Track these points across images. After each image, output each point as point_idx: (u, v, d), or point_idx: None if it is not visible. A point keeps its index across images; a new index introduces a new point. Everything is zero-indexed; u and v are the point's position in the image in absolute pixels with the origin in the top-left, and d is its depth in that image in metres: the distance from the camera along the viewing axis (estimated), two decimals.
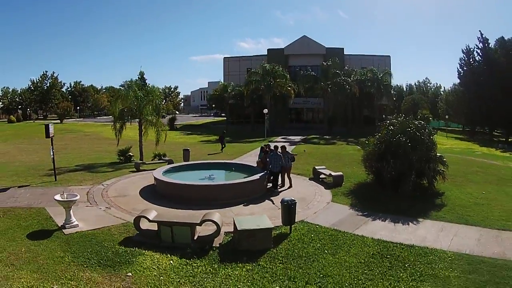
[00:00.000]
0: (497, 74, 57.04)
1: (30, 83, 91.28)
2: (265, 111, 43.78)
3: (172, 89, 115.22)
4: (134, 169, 20.62)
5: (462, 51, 66.71)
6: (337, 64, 50.22)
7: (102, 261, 8.95)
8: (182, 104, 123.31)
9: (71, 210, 11.19)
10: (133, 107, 24.45)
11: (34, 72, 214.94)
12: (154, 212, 10.65)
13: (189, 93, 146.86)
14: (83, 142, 43.20)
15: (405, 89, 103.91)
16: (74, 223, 11.09)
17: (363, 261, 9.35)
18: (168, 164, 20.13)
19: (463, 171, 21.79)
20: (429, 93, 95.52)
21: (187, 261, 9.08)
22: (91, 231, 10.81)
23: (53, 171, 18.32)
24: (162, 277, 8.28)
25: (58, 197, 11.20)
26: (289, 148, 25.12)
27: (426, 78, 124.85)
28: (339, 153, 29.87)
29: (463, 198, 15.28)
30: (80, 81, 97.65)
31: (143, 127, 24.72)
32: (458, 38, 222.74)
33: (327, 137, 45.81)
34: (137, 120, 25.24)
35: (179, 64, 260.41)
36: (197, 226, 10.01)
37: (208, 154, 29.84)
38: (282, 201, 10.88)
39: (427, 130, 16.13)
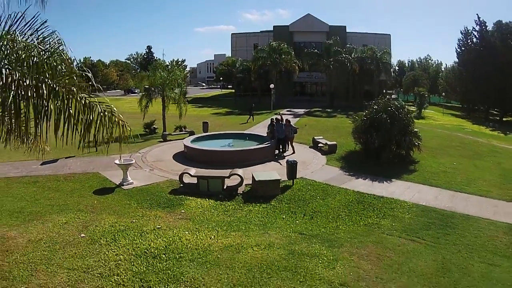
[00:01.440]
0: (493, 56, 59.00)
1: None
2: (272, 86, 47.03)
3: (179, 62, 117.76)
4: (161, 140, 24.36)
5: (461, 32, 68.49)
6: (338, 42, 53.05)
7: (160, 204, 12.78)
8: (189, 76, 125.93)
9: (128, 171, 14.97)
10: (157, 86, 27.76)
11: None
12: (193, 169, 14.48)
13: (195, 65, 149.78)
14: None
15: (407, 65, 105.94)
16: (130, 181, 14.82)
17: (344, 204, 13.19)
18: (190, 135, 23.89)
19: (443, 145, 25.25)
20: (430, 70, 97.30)
21: (221, 202, 12.94)
22: (144, 186, 14.60)
23: (90, 143, 22.00)
24: (205, 212, 12.13)
25: (117, 161, 14.94)
26: (293, 121, 28.84)
27: (428, 55, 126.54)
28: (337, 126, 33.40)
29: (434, 166, 18.90)
30: (90, 57, 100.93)
31: (165, 103, 28.12)
32: (461, 16, 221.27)
33: (329, 110, 49.18)
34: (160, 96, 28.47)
35: (184, 36, 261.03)
36: (226, 179, 13.83)
37: (240, 124, 33.37)
38: (287, 161, 14.71)
39: (405, 110, 19.70)
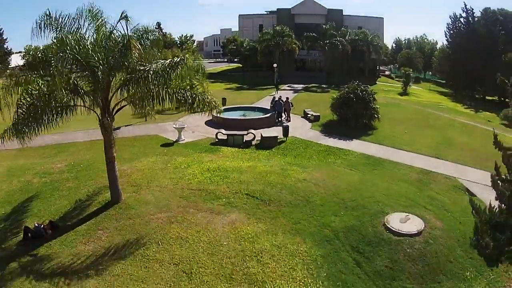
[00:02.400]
0: (477, 42, 64.49)
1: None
2: (275, 65, 54.87)
3: (188, 38, 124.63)
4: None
5: (450, 17, 74.84)
6: (334, 27, 60.49)
7: (207, 150, 21.26)
8: (197, 51, 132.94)
9: (182, 132, 23.41)
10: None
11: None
12: (223, 130, 22.97)
13: (202, 39, 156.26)
14: None
15: (404, 43, 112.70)
16: (183, 138, 23.28)
17: (316, 151, 21.72)
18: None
19: (406, 118, 33.25)
20: (425, 48, 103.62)
21: (242, 149, 21.49)
22: (193, 141, 23.09)
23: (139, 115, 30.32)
24: (234, 154, 20.67)
25: (175, 125, 23.37)
26: (292, 95, 37.36)
27: (424, 34, 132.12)
28: (326, 100, 41.11)
29: (388, 132, 27.20)
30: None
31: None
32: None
33: (324, 86, 57.24)
34: None
35: (189, 9, 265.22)
36: (244, 136, 22.34)
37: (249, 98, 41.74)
38: (282, 126, 23.24)
39: (368, 91, 27.87)
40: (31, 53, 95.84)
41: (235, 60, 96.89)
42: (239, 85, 55.91)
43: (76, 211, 13.70)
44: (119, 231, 12.20)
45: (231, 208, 13.77)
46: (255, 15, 79.31)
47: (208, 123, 27.54)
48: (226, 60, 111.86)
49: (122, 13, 12.54)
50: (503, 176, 9.88)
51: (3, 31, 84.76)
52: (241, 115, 28.56)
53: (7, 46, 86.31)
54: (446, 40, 78.10)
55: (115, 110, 13.26)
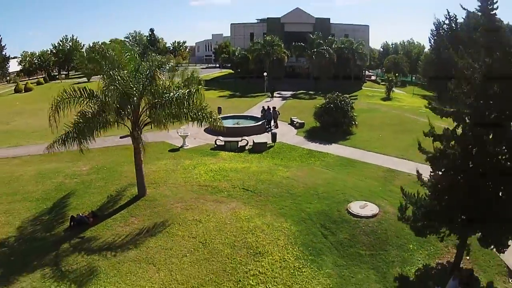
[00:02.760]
0: (459, 47, 70.59)
1: (52, 47, 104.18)
2: (265, 74, 59.60)
3: (181, 44, 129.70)
4: None
5: (434, 23, 79.57)
6: (321, 37, 65.29)
7: (208, 154, 25.64)
8: (189, 57, 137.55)
9: (185, 139, 27.76)
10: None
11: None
12: (221, 137, 27.38)
13: (194, 44, 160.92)
14: None
15: (391, 46, 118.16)
16: (187, 145, 27.63)
17: (300, 154, 26.28)
18: None
19: (384, 123, 37.83)
20: (412, 52, 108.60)
21: (238, 153, 25.95)
22: (195, 147, 27.47)
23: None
24: (231, 157, 25.11)
25: (179, 133, 27.71)
26: (281, 103, 41.95)
27: (411, 38, 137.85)
28: (312, 107, 45.67)
29: (364, 137, 31.77)
30: (99, 41, 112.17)
31: None
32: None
33: (311, 92, 61.93)
34: None
35: (179, 11, 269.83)
36: (239, 142, 26.77)
37: (242, 106, 46.21)
38: (271, 133, 27.75)
39: (346, 101, 32.43)
40: (27, 59, 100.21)
41: (228, 65, 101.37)
42: (231, 93, 60.36)
43: (109, 203, 18.02)
44: (148, 217, 16.55)
45: (232, 198, 18.20)
46: (246, 23, 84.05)
47: (206, 130, 31.88)
48: (217, 65, 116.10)
49: (147, 53, 16.89)
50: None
51: (1, 38, 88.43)
52: (235, 123, 32.98)
53: (5, 53, 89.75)
54: (430, 45, 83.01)
55: (142, 125, 17.63)
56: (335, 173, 22.57)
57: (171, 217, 16.46)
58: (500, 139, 11.70)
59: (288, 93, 59.10)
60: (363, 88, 73.57)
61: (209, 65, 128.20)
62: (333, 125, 31.41)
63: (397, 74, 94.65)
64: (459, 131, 12.57)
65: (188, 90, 16.71)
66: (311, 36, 65.34)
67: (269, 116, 32.74)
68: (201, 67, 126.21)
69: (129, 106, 16.49)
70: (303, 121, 34.19)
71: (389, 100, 60.64)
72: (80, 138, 15.20)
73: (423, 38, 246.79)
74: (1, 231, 16.05)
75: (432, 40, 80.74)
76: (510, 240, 12.27)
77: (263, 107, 34.56)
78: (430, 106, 13.42)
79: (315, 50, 63.32)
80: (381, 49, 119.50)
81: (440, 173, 12.79)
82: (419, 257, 15.09)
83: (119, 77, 15.12)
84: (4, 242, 15.33)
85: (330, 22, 78.31)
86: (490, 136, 11.80)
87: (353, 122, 32.48)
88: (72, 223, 16.20)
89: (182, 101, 16.29)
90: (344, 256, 14.60)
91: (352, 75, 69.75)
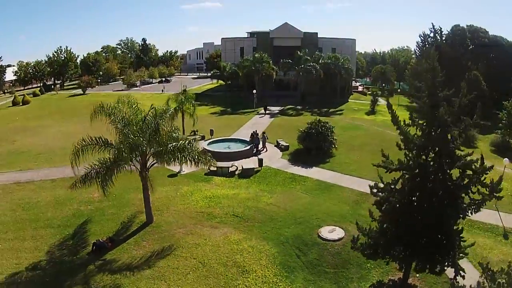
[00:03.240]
0: (442, 65, 75.09)
1: (46, 58, 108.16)
2: (254, 91, 64.08)
3: (173, 54, 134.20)
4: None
5: (420, 36, 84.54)
6: (307, 53, 69.92)
7: (202, 180, 29.90)
8: (181, 65, 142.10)
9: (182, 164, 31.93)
10: (178, 105, 44.09)
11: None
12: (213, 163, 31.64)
13: (185, 50, 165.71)
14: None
15: (379, 55, 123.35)
16: (183, 170, 31.79)
17: (283, 179, 30.59)
18: (202, 139, 40.97)
19: (364, 143, 41.95)
20: (400, 61, 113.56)
21: (228, 178, 30.23)
22: (191, 172, 31.47)
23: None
24: (222, 182, 29.38)
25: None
26: (269, 121, 46.59)
27: (399, 46, 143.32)
28: (298, 126, 50.02)
29: (343, 159, 36.04)
30: (93, 53, 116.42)
31: (184, 115, 44.64)
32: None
33: (299, 107, 66.51)
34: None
35: (170, 14, 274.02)
36: (230, 168, 31.05)
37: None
38: (258, 158, 32.06)
39: (327, 126, 36.77)
40: (23, 69, 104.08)
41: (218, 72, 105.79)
42: (223, 108, 64.81)
43: (123, 229, 22.19)
44: (157, 241, 20.76)
45: (224, 224, 22.48)
46: (236, 38, 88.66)
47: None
48: (209, 75, 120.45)
49: (151, 106, 21.19)
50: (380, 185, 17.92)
51: None
52: (226, 147, 37.23)
53: (1, 65, 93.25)
54: (416, 57, 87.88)
55: (149, 166, 21.85)
56: (312, 198, 26.87)
57: (176, 241, 20.66)
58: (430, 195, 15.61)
59: (277, 109, 63.53)
60: (349, 100, 78.37)
61: (200, 74, 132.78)
62: (314, 149, 35.70)
63: (384, 84, 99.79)
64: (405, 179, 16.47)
65: (188, 140, 20.87)
66: (299, 52, 69.81)
67: (256, 141, 37.01)
68: (192, 76, 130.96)
69: (138, 153, 20.65)
70: (287, 144, 38.47)
71: (373, 114, 65.16)
72: (103, 184, 19.10)
73: (414, 39, 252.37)
74: (33, 255, 20.09)
75: (418, 52, 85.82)
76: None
77: (252, 132, 38.69)
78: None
79: (303, 66, 67.86)
80: (368, 59, 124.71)
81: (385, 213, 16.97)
82: (375, 274, 19.31)
83: (131, 135, 19.30)
84: (37, 265, 19.33)
85: (318, 36, 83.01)
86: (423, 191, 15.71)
87: (334, 145, 36.83)
88: (94, 248, 20.31)
89: (182, 149, 20.49)
90: (313, 273, 18.84)
91: (339, 88, 74.36)
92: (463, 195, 15.21)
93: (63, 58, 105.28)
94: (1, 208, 25.69)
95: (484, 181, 15.03)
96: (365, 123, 55.88)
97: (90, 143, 20.60)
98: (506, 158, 31.01)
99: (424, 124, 15.07)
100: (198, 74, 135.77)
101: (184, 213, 23.87)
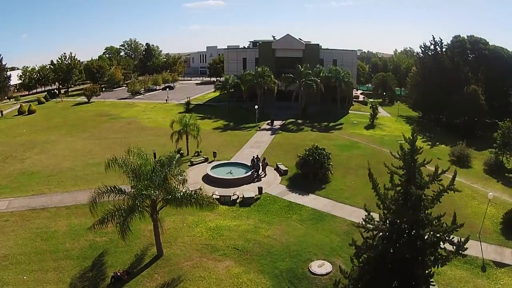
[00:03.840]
0: (441, 75, 75.72)
1: (50, 63, 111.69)
2: (256, 106, 67.38)
3: (175, 59, 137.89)
4: (190, 164, 44.52)
5: (420, 47, 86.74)
6: (309, 68, 73.09)
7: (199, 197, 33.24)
8: (184, 68, 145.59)
9: None
10: (182, 127, 47.36)
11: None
12: (216, 191, 34.97)
13: (189, 51, 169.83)
14: (133, 133, 62.33)
15: (380, 61, 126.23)
16: None
17: (280, 207, 33.88)
18: (205, 161, 44.41)
19: (359, 165, 44.04)
20: (401, 67, 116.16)
21: (231, 207, 33.57)
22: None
23: None
24: (225, 212, 32.66)
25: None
26: (270, 138, 50.38)
27: (403, 48, 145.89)
28: (298, 144, 53.30)
29: (338, 185, 39.07)
30: (96, 58, 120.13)
31: (188, 137, 47.94)
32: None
33: (300, 121, 69.80)
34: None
35: (173, 13, 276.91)
36: (231, 196, 34.40)
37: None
38: (258, 187, 35.40)
39: (324, 153, 39.98)
40: (27, 75, 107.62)
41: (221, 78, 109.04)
42: (225, 123, 68.22)
43: (137, 262, 25.55)
44: (167, 273, 24.12)
45: (226, 257, 25.87)
46: (239, 49, 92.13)
47: (204, 179, 39.52)
48: (212, 80, 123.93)
49: (156, 155, 24.50)
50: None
51: (2, 58, 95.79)
52: (228, 173, 40.56)
53: (7, 72, 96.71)
54: (416, 68, 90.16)
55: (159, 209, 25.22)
56: (306, 229, 30.15)
57: (183, 274, 24.03)
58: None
59: (277, 124, 66.81)
60: (350, 112, 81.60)
61: (203, 79, 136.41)
62: (311, 175, 38.95)
63: (384, 93, 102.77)
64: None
65: (194, 190, 24.21)
66: (300, 67, 72.90)
67: (257, 166, 40.29)
68: (196, 82, 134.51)
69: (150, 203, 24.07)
70: (286, 168, 41.68)
71: (372, 128, 68.11)
72: (123, 231, 22.30)
73: (418, 38, 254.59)
74: (57, 287, 23.52)
75: (418, 63, 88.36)
76: None
77: (253, 157, 41.89)
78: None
79: (304, 80, 71.05)
80: (370, 64, 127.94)
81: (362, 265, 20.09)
82: None
83: (143, 188, 22.68)
84: None
85: (320, 47, 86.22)
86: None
87: (330, 171, 40.06)
88: (112, 280, 23.68)
89: (189, 196, 23.83)
90: None
91: (339, 100, 77.45)
92: (430, 254, 18.05)
93: (67, 64, 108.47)
94: (21, 237, 29.08)
95: (452, 239, 17.86)
96: (363, 139, 58.83)
97: (106, 191, 23.76)
98: (491, 193, 33.74)
99: (401, 191, 18.01)
100: (201, 79, 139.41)
101: (191, 245, 27.24)
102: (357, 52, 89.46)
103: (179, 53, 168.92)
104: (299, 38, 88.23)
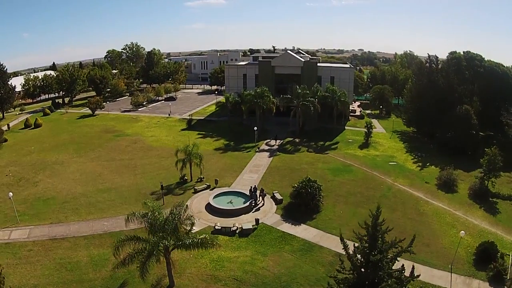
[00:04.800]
0: (435, 91, 79.77)
1: (51, 68, 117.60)
2: (255, 128, 73.19)
3: (178, 67, 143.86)
4: (193, 191, 50.27)
5: (416, 64, 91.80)
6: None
7: (203, 242, 38.99)
8: (186, 74, 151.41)
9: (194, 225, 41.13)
10: (186, 157, 52.96)
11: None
12: (218, 223, 40.77)
13: (190, 58, 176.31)
14: (138, 153, 67.83)
15: (378, 72, 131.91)
16: (194, 228, 39.75)
17: (274, 238, 39.50)
18: (207, 187, 50.23)
19: (350, 192, 50.36)
20: (399, 77, 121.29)
21: (231, 237, 39.28)
22: (200, 230, 40.12)
23: (155, 195, 48.00)
24: (226, 242, 38.24)
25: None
26: (268, 161, 56.26)
27: (404, 50, 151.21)
28: (295, 168, 59.07)
29: (327, 215, 44.56)
30: (100, 68, 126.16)
31: (192, 164, 53.63)
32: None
33: (297, 140, 75.56)
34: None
35: (175, 12, 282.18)
36: (232, 227, 40.18)
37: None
38: (255, 219, 41.25)
39: (316, 185, 45.66)
40: (31, 84, 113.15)
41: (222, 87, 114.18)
42: (226, 142, 73.96)
43: None
44: None
45: (227, 287, 31.70)
46: (239, 65, 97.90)
47: (207, 208, 45.28)
48: (214, 92, 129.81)
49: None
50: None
51: (6, 69, 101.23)
52: (229, 202, 46.37)
53: (11, 83, 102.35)
54: (412, 83, 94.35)
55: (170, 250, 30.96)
56: (296, 260, 35.76)
57: None
58: None
59: (276, 145, 72.66)
60: (346, 128, 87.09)
61: (205, 88, 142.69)
62: (304, 205, 44.65)
63: (381, 106, 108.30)
64: None
65: (201, 238, 29.93)
66: (297, 87, 78.55)
67: (255, 196, 46.08)
68: (197, 91, 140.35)
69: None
70: (282, 198, 47.44)
71: (366, 147, 73.49)
72: (143, 273, 27.94)
73: (418, 39, 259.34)
74: None
75: (415, 80, 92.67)
76: None
77: (250, 187, 47.55)
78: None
79: (301, 100, 76.75)
80: (369, 75, 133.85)
81: None
82: None
83: (161, 243, 28.42)
84: None
85: (318, 64, 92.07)
86: None
87: (321, 202, 45.75)
88: None
89: (196, 243, 29.58)
90: None
91: (335, 118, 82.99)
92: None
93: (70, 75, 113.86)
94: (47, 267, 34.52)
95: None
96: (356, 161, 64.18)
97: (126, 238, 29.44)
98: (462, 231, 37.58)
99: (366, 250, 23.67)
100: (203, 87, 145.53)
101: (197, 275, 33.01)
102: (358, 51, 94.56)
103: (180, 52, 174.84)
104: (298, 49, 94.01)
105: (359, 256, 23.77)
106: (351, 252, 24.08)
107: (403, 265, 24.40)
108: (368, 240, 23.38)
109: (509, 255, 35.79)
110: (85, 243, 38.53)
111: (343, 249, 24.35)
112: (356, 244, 24.60)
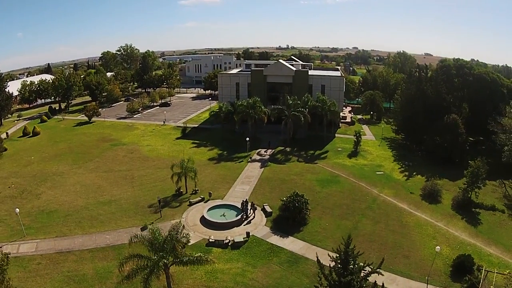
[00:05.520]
0: (424, 100, 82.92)
1: (46, 69, 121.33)
2: (247, 139, 77.35)
3: (172, 72, 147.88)
4: (189, 204, 54.46)
5: (405, 73, 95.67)
6: (296, 99, 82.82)
7: (203, 251, 42.92)
8: (180, 77, 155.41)
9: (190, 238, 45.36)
10: (182, 171, 57.03)
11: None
12: (212, 236, 45.02)
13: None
14: (135, 164, 71.46)
15: (369, 76, 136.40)
16: (190, 241, 45.10)
17: (263, 250, 43.69)
18: (201, 200, 54.43)
19: (336, 204, 54.43)
20: (391, 82, 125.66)
21: (223, 250, 43.48)
22: (196, 242, 44.30)
23: (152, 208, 52.18)
24: (219, 254, 42.44)
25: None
26: (259, 172, 60.43)
27: (397, 50, 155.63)
28: (285, 179, 63.21)
29: (314, 227, 48.67)
30: (95, 73, 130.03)
31: (187, 179, 57.74)
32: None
33: (288, 149, 79.79)
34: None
35: (169, 11, 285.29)
36: (224, 240, 44.44)
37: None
38: (246, 232, 45.54)
39: (303, 200, 49.92)
40: (27, 89, 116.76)
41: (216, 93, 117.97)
42: (219, 152, 78.04)
43: None
44: None
45: None
46: (232, 74, 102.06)
47: (202, 221, 49.45)
48: (208, 97, 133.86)
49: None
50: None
51: (3, 76, 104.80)
52: (222, 215, 50.59)
53: (8, 91, 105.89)
54: (402, 89, 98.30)
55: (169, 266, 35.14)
56: (283, 271, 39.95)
57: None
58: None
59: (267, 155, 76.92)
60: (336, 135, 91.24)
61: (199, 92, 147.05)
62: (291, 218, 48.93)
63: (372, 112, 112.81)
64: None
65: (197, 256, 34.05)
66: (288, 98, 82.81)
67: (246, 210, 50.33)
68: (191, 96, 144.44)
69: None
70: (271, 210, 51.70)
71: (355, 156, 77.74)
72: (145, 286, 32.09)
73: (414, 38, 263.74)
74: None
75: (405, 88, 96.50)
76: None
77: (242, 201, 51.61)
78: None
79: (292, 111, 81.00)
80: (361, 79, 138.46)
81: None
82: None
83: (161, 262, 32.52)
84: None
85: (309, 73, 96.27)
86: None
87: (307, 214, 49.99)
88: None
89: (192, 260, 33.74)
90: None
91: (325, 127, 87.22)
92: None
93: (66, 81, 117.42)
94: (57, 280, 38.31)
95: None
96: (344, 171, 68.28)
97: (130, 256, 33.36)
98: (438, 247, 40.49)
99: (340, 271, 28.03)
100: (197, 91, 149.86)
101: (193, 287, 37.28)
102: (352, 50, 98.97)
103: (174, 51, 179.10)
104: (291, 57, 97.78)
105: (334, 275, 27.94)
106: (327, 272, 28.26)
107: (375, 281, 28.84)
108: (340, 263, 27.64)
109: (482, 268, 37.75)
110: (90, 256, 42.35)
111: (319, 269, 28.54)
112: (332, 264, 28.77)
